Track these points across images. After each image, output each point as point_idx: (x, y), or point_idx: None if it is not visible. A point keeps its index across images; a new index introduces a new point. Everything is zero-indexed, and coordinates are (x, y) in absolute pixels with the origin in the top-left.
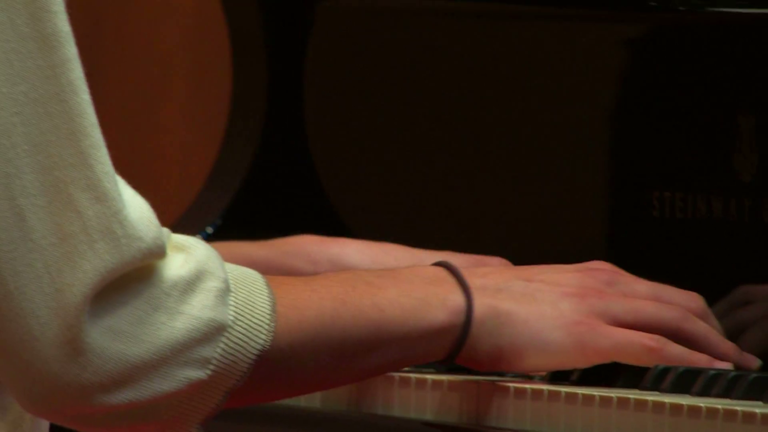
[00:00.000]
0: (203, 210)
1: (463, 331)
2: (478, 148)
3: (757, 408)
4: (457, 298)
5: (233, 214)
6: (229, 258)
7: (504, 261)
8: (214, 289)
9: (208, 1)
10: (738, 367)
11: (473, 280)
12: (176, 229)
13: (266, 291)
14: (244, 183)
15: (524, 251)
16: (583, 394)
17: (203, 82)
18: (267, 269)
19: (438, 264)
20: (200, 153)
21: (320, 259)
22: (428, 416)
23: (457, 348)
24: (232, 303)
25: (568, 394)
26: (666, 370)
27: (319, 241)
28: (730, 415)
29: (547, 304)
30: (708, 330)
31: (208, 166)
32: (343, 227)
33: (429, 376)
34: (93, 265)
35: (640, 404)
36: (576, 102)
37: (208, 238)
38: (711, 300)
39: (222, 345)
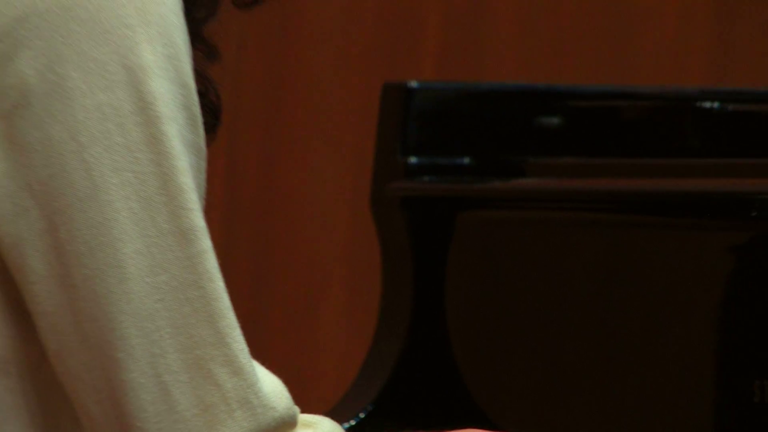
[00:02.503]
0: (356, 398)
1: None
2: (599, 342)
3: None
4: None
5: (383, 401)
6: None
7: None
8: None
9: (362, 216)
10: None
11: None
12: (333, 413)
13: None
14: (392, 375)
15: None
16: None
17: (357, 287)
18: None
19: None
20: (354, 348)
21: None
22: None
23: None
24: None
25: None
26: None
27: None
28: None
29: None
30: None
31: (361, 360)
32: (483, 416)
33: None
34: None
35: None
36: (683, 299)
37: (360, 423)
38: None
39: None
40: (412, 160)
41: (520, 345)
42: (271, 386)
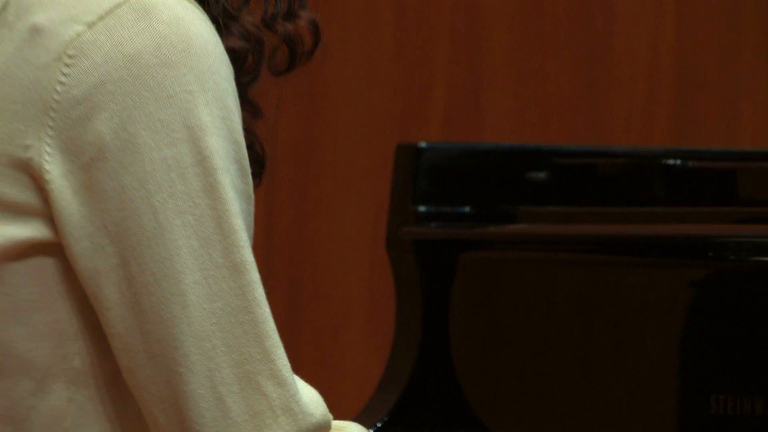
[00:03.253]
0: (374, 410)
1: None
2: (579, 360)
3: None
4: None
5: (397, 413)
6: None
7: None
8: None
9: (379, 256)
10: None
11: None
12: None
13: None
14: (405, 391)
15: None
16: None
17: (375, 316)
18: None
19: None
20: (372, 368)
21: None
22: None
23: None
24: None
25: None
26: None
27: None
28: None
29: None
30: None
31: (378, 378)
32: (481, 425)
33: None
34: None
35: None
36: (650, 325)
37: (377, 431)
38: None
39: None
40: (422, 208)
41: (513, 362)
42: (309, 396)
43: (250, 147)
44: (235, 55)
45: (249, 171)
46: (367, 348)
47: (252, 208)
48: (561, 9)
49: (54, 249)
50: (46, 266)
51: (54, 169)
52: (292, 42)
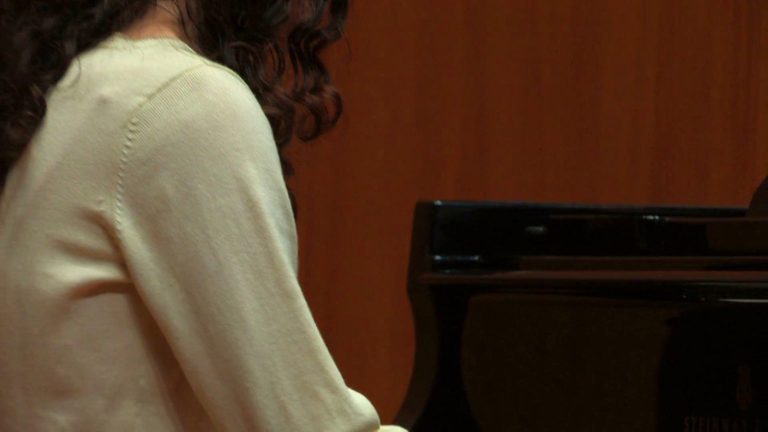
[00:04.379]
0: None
1: None
2: (572, 388)
3: None
4: None
5: None
6: None
7: None
8: None
9: (401, 298)
10: None
11: None
12: None
13: None
14: (422, 415)
15: None
16: None
17: (397, 350)
18: None
19: None
20: (395, 395)
21: None
22: None
23: None
24: None
25: None
26: None
27: None
28: None
29: None
30: None
31: (400, 403)
32: None
33: None
34: None
35: None
36: (632, 356)
37: None
38: None
39: None
40: (437, 257)
41: (515, 389)
42: (358, 399)
43: None
44: (270, 121)
45: (292, 214)
46: (391, 377)
47: (296, 246)
48: (556, 88)
49: (123, 287)
50: (116, 301)
51: (124, 221)
52: (318, 112)
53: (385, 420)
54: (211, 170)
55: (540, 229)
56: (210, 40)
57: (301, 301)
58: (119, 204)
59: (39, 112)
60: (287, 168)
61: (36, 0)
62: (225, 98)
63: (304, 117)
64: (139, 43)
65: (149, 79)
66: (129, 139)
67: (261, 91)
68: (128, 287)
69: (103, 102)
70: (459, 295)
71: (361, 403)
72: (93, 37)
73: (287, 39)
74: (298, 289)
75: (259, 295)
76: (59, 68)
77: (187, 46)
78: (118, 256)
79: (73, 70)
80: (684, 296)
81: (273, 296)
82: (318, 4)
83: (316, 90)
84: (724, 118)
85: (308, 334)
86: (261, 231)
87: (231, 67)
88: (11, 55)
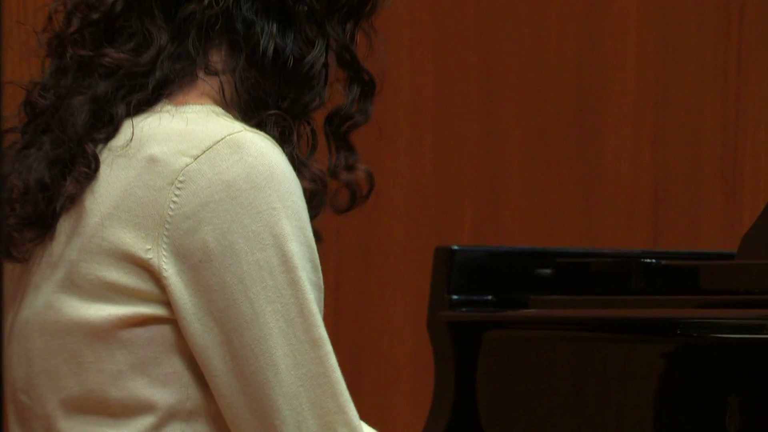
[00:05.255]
0: None
1: None
2: (576, 415)
3: None
4: None
5: None
6: None
7: None
8: None
9: (422, 334)
10: None
11: None
12: None
13: None
14: None
15: None
16: None
17: (418, 381)
18: None
19: None
20: (416, 422)
21: None
22: None
23: None
24: None
25: None
26: None
27: None
28: None
29: None
30: None
31: (421, 428)
32: None
33: None
34: None
35: None
36: (631, 387)
37: None
38: None
39: None
40: (455, 297)
41: (525, 417)
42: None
43: None
44: (303, 194)
45: (320, 268)
46: (412, 405)
47: (323, 296)
48: (562, 145)
49: (170, 320)
50: (164, 331)
51: (169, 268)
52: (354, 187)
53: None
54: (250, 226)
55: (548, 271)
56: (251, 109)
57: (328, 348)
58: (165, 253)
59: (92, 167)
60: (317, 235)
61: (99, 67)
62: (263, 160)
63: (336, 191)
64: (184, 109)
65: (195, 141)
66: (176, 195)
67: (297, 165)
68: (174, 321)
69: (152, 161)
70: (474, 331)
71: None
72: (144, 103)
73: (324, 122)
74: (325, 337)
75: (290, 342)
76: (112, 128)
77: (227, 113)
78: (165, 298)
79: (126, 130)
80: (678, 332)
81: (302, 343)
82: (352, 90)
83: (350, 168)
84: (714, 171)
85: (332, 378)
86: (293, 283)
87: (269, 134)
88: (69, 116)
